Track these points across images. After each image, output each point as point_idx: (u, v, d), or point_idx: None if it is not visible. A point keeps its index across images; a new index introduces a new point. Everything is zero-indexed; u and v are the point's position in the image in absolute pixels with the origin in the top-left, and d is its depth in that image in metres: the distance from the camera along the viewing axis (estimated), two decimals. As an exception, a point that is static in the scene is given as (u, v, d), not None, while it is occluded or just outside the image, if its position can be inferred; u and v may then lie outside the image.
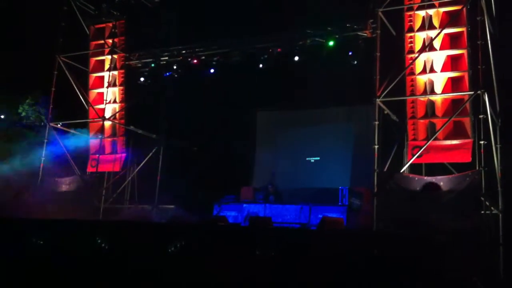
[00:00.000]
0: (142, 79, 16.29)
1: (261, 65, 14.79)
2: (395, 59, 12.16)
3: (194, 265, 8.61)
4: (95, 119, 15.81)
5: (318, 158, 14.80)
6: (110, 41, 15.98)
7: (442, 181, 10.80)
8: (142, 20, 16.06)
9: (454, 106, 11.50)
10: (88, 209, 13.87)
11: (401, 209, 10.88)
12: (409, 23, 12.21)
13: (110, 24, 16.31)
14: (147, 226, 10.65)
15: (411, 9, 12.23)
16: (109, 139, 15.99)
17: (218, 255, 8.52)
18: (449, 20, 11.70)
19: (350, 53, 13.70)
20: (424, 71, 11.89)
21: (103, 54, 16.42)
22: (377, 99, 11.81)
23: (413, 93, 11.92)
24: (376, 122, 11.70)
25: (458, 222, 10.04)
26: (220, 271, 8.36)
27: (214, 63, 15.31)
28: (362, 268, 7.56)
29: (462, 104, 11.23)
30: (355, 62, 13.63)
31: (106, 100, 15.62)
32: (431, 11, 12.01)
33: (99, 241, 9.37)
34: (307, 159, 15.63)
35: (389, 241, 7.98)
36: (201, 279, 8.48)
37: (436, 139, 11.36)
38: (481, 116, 10.72)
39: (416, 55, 11.88)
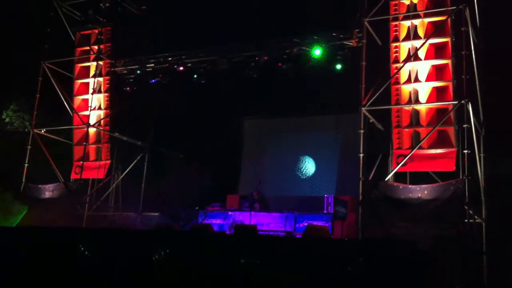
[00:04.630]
0: (127, 86, 16.20)
1: (248, 73, 14.79)
2: (381, 69, 12.25)
3: (178, 273, 8.55)
4: (80, 126, 15.70)
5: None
6: (96, 47, 15.91)
7: (426, 189, 10.87)
8: (129, 27, 16.01)
9: (438, 115, 11.60)
10: (72, 216, 13.73)
11: (385, 217, 10.93)
12: (394, 33, 12.32)
13: (96, 31, 16.25)
14: (132, 233, 10.57)
15: (396, 19, 12.34)
16: (93, 146, 15.87)
17: (203, 263, 8.47)
18: (434, 30, 11.82)
19: (336, 62, 13.75)
20: (409, 80, 11.99)
21: (88, 61, 16.34)
22: (363, 108, 11.88)
23: (398, 102, 12.01)
24: (362, 131, 11.77)
25: (442, 231, 10.10)
26: (205, 280, 8.31)
27: (201, 70, 15.27)
28: (347, 276, 7.56)
29: (447, 113, 11.33)
30: (341, 71, 13.69)
31: (91, 106, 15.54)
32: (416, 22, 12.14)
33: (82, 248, 9.27)
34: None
35: (374, 249, 7.99)
36: (186, 287, 8.43)
37: (420, 148, 11.44)
38: (465, 126, 10.84)
39: (401, 64, 11.98)
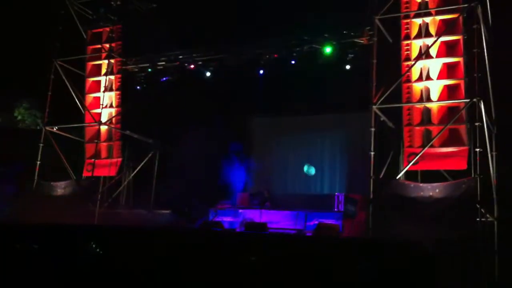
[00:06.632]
0: (138, 84, 16.26)
1: (258, 71, 14.78)
2: (392, 66, 12.19)
3: (189, 270, 8.58)
4: (91, 124, 15.80)
5: None
6: (107, 45, 15.99)
7: (437, 188, 10.82)
8: (139, 25, 16.06)
9: (450, 113, 11.53)
10: (84, 214, 13.83)
11: (396, 216, 10.89)
12: (405, 31, 12.26)
13: (107, 29, 16.30)
14: (143, 231, 10.61)
15: (407, 17, 12.28)
16: (105, 143, 15.95)
17: (213, 260, 8.49)
18: (446, 28, 11.75)
19: (346, 60, 13.71)
20: (420, 78, 11.93)
21: (100, 59, 16.42)
22: (374, 106, 11.85)
23: (409, 100, 11.95)
24: (373, 129, 11.73)
25: (453, 229, 10.05)
26: (215, 277, 8.33)
27: (211, 68, 15.28)
28: (356, 275, 7.55)
29: (458, 111, 11.27)
30: (352, 69, 13.64)
31: (102, 104, 15.61)
32: (427, 19, 12.07)
33: (94, 246, 9.33)
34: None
35: (384, 248, 7.97)
36: (195, 285, 8.45)
37: (432, 146, 11.38)
38: (476, 124, 10.76)
39: (413, 62, 11.92)
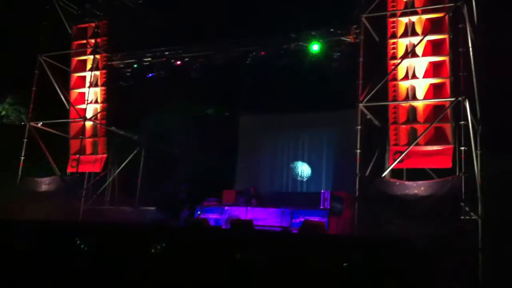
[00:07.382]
0: (124, 79, 16.15)
1: (244, 68, 14.76)
2: (378, 65, 12.23)
3: (173, 268, 8.55)
4: (76, 119, 15.67)
5: None
6: (93, 41, 15.86)
7: (422, 186, 10.88)
8: (125, 21, 15.95)
9: (435, 112, 11.60)
10: (68, 210, 13.73)
11: (381, 214, 10.94)
12: (392, 29, 12.30)
13: (93, 24, 16.20)
14: (127, 228, 10.56)
15: (394, 15, 12.33)
16: (90, 139, 15.84)
17: (199, 258, 8.47)
18: (432, 27, 11.81)
19: (333, 58, 13.74)
20: (406, 77, 11.98)
21: (85, 54, 16.30)
22: (360, 104, 11.88)
23: (395, 99, 12.01)
24: (359, 127, 11.77)
25: (438, 227, 10.12)
26: (200, 275, 8.31)
27: (197, 65, 15.23)
28: (342, 272, 7.56)
29: (444, 110, 11.34)
30: (338, 67, 13.67)
31: (87, 100, 15.50)
32: (414, 18, 12.12)
33: (78, 242, 9.27)
34: None
35: (369, 246, 7.99)
36: (180, 283, 8.42)
37: (417, 144, 11.45)
38: (462, 123, 10.85)
39: (399, 61, 11.97)
